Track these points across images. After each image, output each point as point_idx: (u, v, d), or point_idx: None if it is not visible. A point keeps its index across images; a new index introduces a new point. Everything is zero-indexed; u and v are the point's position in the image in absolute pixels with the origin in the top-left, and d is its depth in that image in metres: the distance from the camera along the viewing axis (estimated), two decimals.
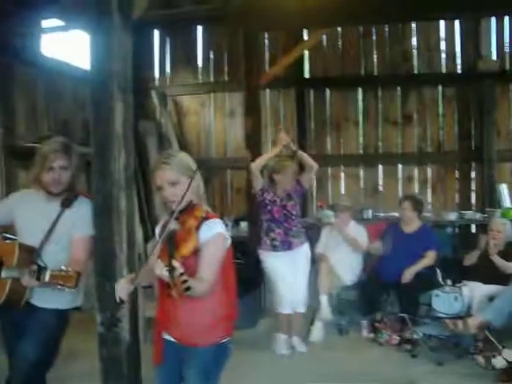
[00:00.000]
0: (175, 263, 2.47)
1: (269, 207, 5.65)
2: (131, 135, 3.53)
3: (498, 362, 4.79)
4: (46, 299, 3.38)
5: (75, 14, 6.28)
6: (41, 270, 3.17)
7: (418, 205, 6.38)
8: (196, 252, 2.70)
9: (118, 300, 2.74)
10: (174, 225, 2.70)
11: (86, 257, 3.47)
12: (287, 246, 5.61)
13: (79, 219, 3.42)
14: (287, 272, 5.56)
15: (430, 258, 6.02)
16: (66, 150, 3.40)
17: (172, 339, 2.87)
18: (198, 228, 2.73)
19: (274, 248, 5.63)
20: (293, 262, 5.59)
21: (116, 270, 3.41)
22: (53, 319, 3.43)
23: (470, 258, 5.99)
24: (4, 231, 3.51)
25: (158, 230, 2.97)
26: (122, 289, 2.74)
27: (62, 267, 3.15)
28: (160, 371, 2.95)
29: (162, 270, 2.51)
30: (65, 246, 3.40)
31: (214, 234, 2.74)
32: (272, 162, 5.74)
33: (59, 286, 3.13)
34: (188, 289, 2.47)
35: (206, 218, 2.78)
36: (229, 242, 2.85)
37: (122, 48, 3.47)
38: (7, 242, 3.45)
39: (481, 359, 4.98)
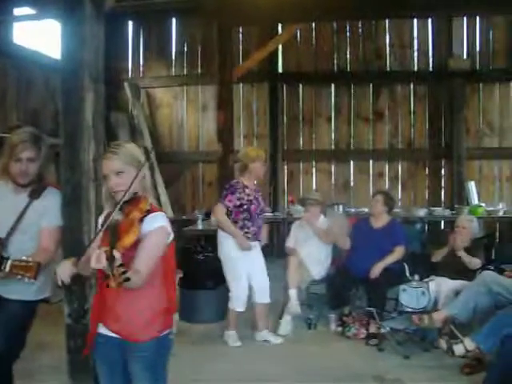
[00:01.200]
0: (116, 253, 2.45)
1: (245, 206, 5.55)
2: (101, 126, 3.51)
3: (458, 349, 4.87)
4: (12, 290, 3.34)
5: (47, 3, 6.21)
6: (2, 260, 3.13)
7: (389, 200, 6.41)
8: (137, 244, 2.66)
9: (59, 283, 2.70)
10: (117, 215, 2.66)
11: (54, 247, 3.43)
12: (254, 239, 5.61)
13: (47, 210, 3.38)
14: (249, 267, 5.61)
15: (398, 252, 6.06)
16: (34, 141, 3.35)
17: (112, 334, 2.81)
18: (141, 220, 2.69)
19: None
20: (253, 257, 5.64)
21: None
22: (18, 310, 3.39)
23: (439, 255, 6.06)
24: None
25: (101, 220, 2.90)
26: (64, 271, 2.71)
27: (23, 257, 3.10)
28: (102, 366, 2.89)
29: (99, 261, 2.48)
30: (33, 237, 3.36)
31: (156, 227, 2.72)
32: (243, 152, 5.74)
33: (19, 276, 3.08)
34: (127, 279, 2.46)
35: (150, 211, 2.75)
36: (171, 236, 2.82)
37: (93, 38, 3.45)
38: None
39: (443, 343, 5.07)
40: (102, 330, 2.83)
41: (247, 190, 5.56)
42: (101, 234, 2.69)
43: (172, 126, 9.86)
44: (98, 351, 2.86)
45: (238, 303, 5.61)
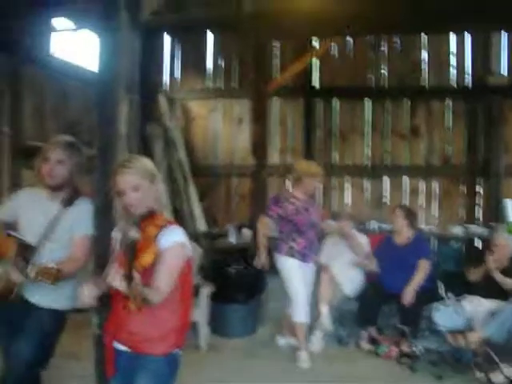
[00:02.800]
0: (135, 275, 2.45)
1: (290, 217, 5.58)
2: (135, 137, 3.52)
3: (496, 378, 4.75)
4: (44, 298, 3.38)
5: (85, 15, 6.29)
6: (28, 265, 3.16)
7: (409, 214, 6.31)
8: (155, 260, 2.65)
9: (81, 305, 2.70)
10: (134, 233, 2.63)
11: (84, 256, 3.45)
12: (302, 257, 5.63)
13: (79, 219, 3.41)
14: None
15: (423, 267, 5.90)
16: (65, 145, 3.40)
17: (124, 348, 2.81)
18: (157, 236, 2.68)
19: (292, 256, 5.61)
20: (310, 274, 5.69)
21: None
22: (49, 319, 3.42)
23: (476, 274, 5.91)
24: (10, 228, 3.49)
25: (116, 235, 2.89)
26: (86, 295, 2.71)
27: (48, 264, 3.13)
28: (114, 382, 2.89)
29: (119, 282, 2.48)
30: (64, 245, 3.39)
31: (173, 243, 2.70)
32: (303, 165, 5.82)
33: (42, 282, 3.11)
34: (145, 300, 2.44)
35: (167, 226, 2.73)
36: (189, 251, 2.80)
37: (129, 49, 3.48)
38: (7, 238, 3.42)
39: (479, 374, 4.96)
40: (116, 345, 2.84)
41: (294, 201, 5.56)
42: (118, 253, 2.69)
43: (206, 139, 9.88)
44: (116, 366, 2.86)
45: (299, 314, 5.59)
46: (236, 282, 6.33)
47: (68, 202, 3.42)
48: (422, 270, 5.89)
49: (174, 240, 2.71)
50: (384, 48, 9.35)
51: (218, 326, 6.18)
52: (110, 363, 2.87)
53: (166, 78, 10.03)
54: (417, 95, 9.31)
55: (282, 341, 5.94)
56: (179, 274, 2.73)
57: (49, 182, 3.41)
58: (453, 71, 9.21)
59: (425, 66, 9.28)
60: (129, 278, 2.47)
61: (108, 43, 3.46)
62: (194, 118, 9.95)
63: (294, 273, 5.58)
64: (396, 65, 9.32)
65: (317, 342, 5.92)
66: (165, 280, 2.65)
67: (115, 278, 2.55)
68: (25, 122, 7.54)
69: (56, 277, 3.09)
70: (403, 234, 6.17)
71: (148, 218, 2.73)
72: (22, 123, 7.47)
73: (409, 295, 5.72)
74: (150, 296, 2.52)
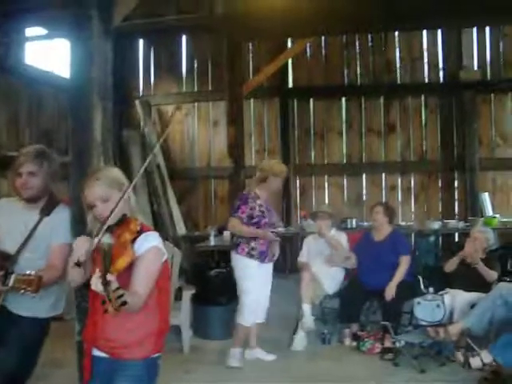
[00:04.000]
0: (110, 277, 2.44)
1: (256, 219, 5.45)
2: (111, 143, 3.51)
3: (475, 362, 4.84)
4: (25, 307, 3.35)
5: (57, 23, 6.25)
6: (7, 275, 3.14)
7: (389, 211, 6.37)
8: (131, 266, 2.65)
9: (75, 261, 2.61)
10: (107, 239, 2.62)
11: (62, 265, 3.41)
12: (264, 258, 5.50)
13: (56, 227, 3.38)
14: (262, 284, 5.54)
15: (404, 263, 5.96)
16: (36, 156, 3.36)
17: (102, 355, 2.79)
18: (133, 241, 2.67)
19: (251, 257, 5.47)
20: (268, 274, 5.60)
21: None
22: (31, 328, 3.39)
23: (451, 264, 5.98)
24: None
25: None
26: (81, 247, 2.62)
27: (27, 272, 3.11)
28: None
29: (97, 284, 2.47)
30: (43, 254, 3.36)
31: (149, 248, 2.70)
32: (268, 164, 5.65)
33: (22, 291, 3.08)
34: (124, 303, 2.44)
35: (141, 231, 2.73)
36: (165, 256, 2.80)
37: (101, 55, 3.46)
38: None
39: (460, 356, 5.04)
40: (95, 352, 2.82)
41: (259, 201, 5.51)
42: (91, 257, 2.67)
43: (183, 143, 9.88)
44: (94, 372, 2.83)
45: (249, 319, 5.51)
46: (217, 284, 6.33)
47: (46, 211, 3.40)
48: (403, 266, 5.95)
49: (149, 245, 2.71)
50: (357, 46, 9.42)
51: (199, 328, 6.18)
52: (86, 369, 2.85)
53: (140, 83, 10.01)
54: (391, 92, 9.40)
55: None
56: (156, 278, 2.73)
57: (23, 195, 3.38)
58: (426, 67, 9.30)
59: (398, 63, 9.36)
60: (105, 281, 2.46)
61: (80, 50, 3.45)
62: (169, 122, 9.93)
63: (251, 275, 5.43)
64: (370, 63, 9.40)
65: (300, 340, 5.93)
66: (142, 284, 2.65)
67: (94, 281, 2.54)
68: (0, 132, 7.49)
69: (37, 284, 3.07)
70: (382, 230, 6.22)
71: (122, 224, 2.73)
72: None
73: (391, 291, 5.76)
74: (128, 299, 2.51)
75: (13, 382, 3.34)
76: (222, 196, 9.53)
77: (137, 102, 9.58)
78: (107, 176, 2.79)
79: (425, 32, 9.23)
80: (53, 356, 4.88)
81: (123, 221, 2.74)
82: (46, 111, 8.36)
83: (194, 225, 9.65)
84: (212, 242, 7.79)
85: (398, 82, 9.39)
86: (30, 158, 3.35)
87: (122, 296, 2.43)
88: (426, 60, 9.33)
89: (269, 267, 5.59)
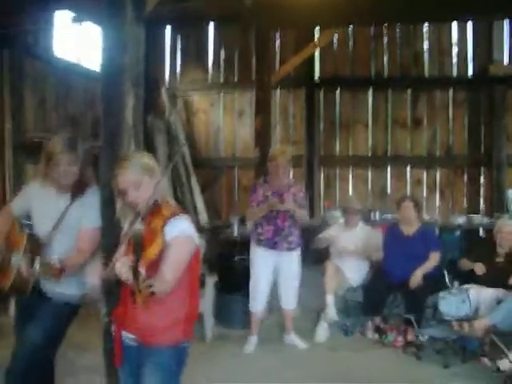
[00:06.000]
0: (140, 269, 2.45)
1: (261, 204, 5.54)
2: (141, 128, 3.52)
3: (503, 364, 4.77)
4: (55, 289, 3.42)
5: (88, 8, 6.28)
6: (35, 261, 3.24)
7: (417, 205, 6.32)
8: (162, 251, 2.65)
9: (118, 278, 2.63)
10: (138, 226, 2.62)
11: (91, 248, 3.46)
12: (272, 244, 5.55)
13: (87, 210, 3.43)
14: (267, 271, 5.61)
15: (434, 258, 5.92)
16: (71, 147, 3.39)
17: (132, 339, 2.82)
18: (163, 227, 2.66)
19: (259, 244, 5.59)
20: (279, 263, 5.61)
21: None
22: (61, 306, 3.46)
23: (465, 265, 5.90)
24: (23, 221, 3.53)
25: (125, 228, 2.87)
26: (124, 265, 2.60)
27: (51, 260, 3.22)
28: (122, 373, 2.91)
29: (126, 274, 2.50)
30: (73, 237, 3.42)
31: (179, 233, 2.69)
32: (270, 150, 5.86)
33: (47, 277, 3.26)
34: (152, 294, 2.45)
35: (173, 215, 2.72)
36: (196, 240, 2.79)
37: (134, 42, 3.46)
38: (21, 231, 3.45)
39: (486, 361, 4.98)
40: (124, 336, 2.84)
41: (266, 188, 5.56)
42: (124, 245, 2.69)
43: (208, 132, 9.88)
44: (124, 358, 2.87)
45: (252, 304, 5.66)
46: (240, 273, 6.33)
47: (77, 195, 3.44)
48: (432, 260, 5.90)
49: (179, 230, 2.70)
50: (385, 38, 9.33)
51: (222, 316, 6.20)
52: (117, 354, 2.87)
53: (167, 71, 10.01)
54: (419, 85, 9.30)
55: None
56: (186, 264, 2.73)
57: (63, 184, 3.43)
58: (454, 61, 9.18)
59: (426, 56, 9.26)
60: (135, 272, 2.47)
61: (113, 36, 3.44)
62: (195, 111, 9.94)
63: (257, 262, 5.61)
64: (397, 55, 9.30)
65: (322, 332, 5.93)
66: (171, 270, 2.65)
67: (122, 269, 2.55)
68: (27, 117, 7.55)
69: (59, 274, 3.21)
70: (412, 224, 6.15)
71: (153, 211, 2.73)
72: (24, 118, 7.47)
73: (416, 279, 5.72)
74: (156, 289, 2.52)
75: (36, 354, 3.38)
76: (245, 186, 9.52)
77: (162, 90, 9.58)
78: (138, 162, 2.79)
79: (454, 24, 9.10)
80: (77, 339, 4.92)
81: (155, 207, 2.74)
82: (72, 97, 8.41)
83: (217, 214, 9.66)
84: (235, 231, 7.80)
85: (426, 75, 9.28)
86: (66, 148, 3.37)
87: (150, 286, 2.44)
88: (454, 53, 9.21)
89: (283, 255, 5.58)
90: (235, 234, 7.74)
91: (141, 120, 3.54)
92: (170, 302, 2.73)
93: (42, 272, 3.22)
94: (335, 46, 9.41)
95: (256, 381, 4.80)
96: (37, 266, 3.22)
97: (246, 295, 5.80)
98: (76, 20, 7.49)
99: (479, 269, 5.68)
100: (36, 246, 3.36)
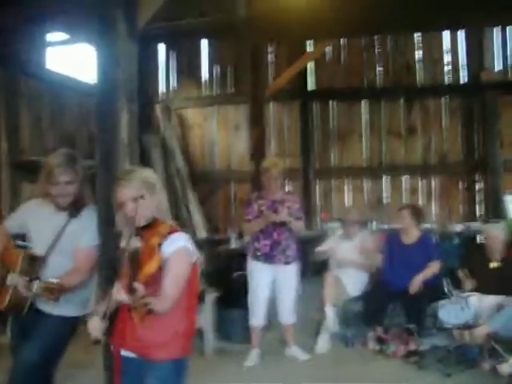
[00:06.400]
0: (136, 285, 2.46)
1: (257, 218, 5.52)
2: (136, 145, 3.53)
3: (503, 369, 4.75)
4: (53, 306, 3.37)
5: (80, 26, 6.30)
6: (32, 280, 3.21)
7: (416, 213, 6.29)
8: (160, 268, 2.65)
9: (92, 340, 2.66)
10: (135, 243, 2.64)
11: (89, 267, 3.45)
12: (270, 258, 5.53)
13: (84, 229, 3.42)
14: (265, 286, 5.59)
15: (434, 267, 5.92)
16: (70, 164, 3.39)
17: (131, 355, 2.80)
18: (160, 245, 2.67)
19: (257, 258, 5.57)
20: (276, 277, 5.58)
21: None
22: (58, 325, 3.43)
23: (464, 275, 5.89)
24: (19, 239, 3.51)
25: (122, 245, 2.85)
26: (95, 328, 2.65)
27: (50, 279, 3.19)
28: None
29: (121, 296, 2.51)
30: (70, 256, 3.40)
31: (177, 249, 2.69)
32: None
33: (44, 298, 3.20)
34: (149, 312, 2.45)
35: (170, 233, 2.72)
36: (194, 256, 2.79)
37: (127, 57, 3.48)
38: (16, 250, 3.44)
39: (485, 365, 4.96)
40: (124, 352, 2.83)
41: (260, 201, 5.55)
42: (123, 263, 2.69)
43: (204, 146, 9.92)
44: (124, 373, 2.86)
45: (252, 318, 5.65)
46: (239, 287, 6.31)
47: (74, 213, 3.43)
48: (432, 268, 5.89)
49: (177, 246, 2.70)
50: (377, 48, 9.38)
51: (222, 331, 6.17)
52: (116, 372, 2.87)
53: (161, 87, 10.05)
54: (412, 94, 9.35)
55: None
56: (185, 278, 2.73)
57: (61, 203, 3.42)
58: (447, 69, 9.25)
59: (419, 65, 9.32)
60: (131, 289, 2.47)
61: (106, 53, 3.47)
62: (190, 126, 9.96)
63: (254, 276, 5.58)
64: (390, 64, 9.36)
65: (323, 343, 5.90)
66: (172, 286, 2.65)
67: (119, 293, 2.56)
68: (22, 136, 7.56)
69: (58, 293, 3.17)
70: (411, 233, 6.15)
71: (150, 227, 2.74)
72: (20, 137, 7.49)
73: (415, 285, 5.72)
74: (156, 306, 2.54)
75: (33, 376, 3.35)
76: (242, 199, 9.52)
77: (157, 106, 9.61)
78: (139, 177, 2.79)
79: (446, 33, 9.17)
80: (76, 357, 4.89)
81: (152, 224, 2.74)
82: (67, 115, 8.43)
83: (214, 228, 9.66)
84: (233, 244, 7.80)
85: (419, 84, 9.34)
86: (65, 166, 3.37)
87: (147, 304, 2.44)
88: (446, 61, 9.27)
89: (280, 269, 5.56)
90: (233, 247, 7.73)
91: (136, 136, 3.55)
92: (169, 318, 2.73)
93: (41, 293, 3.18)
94: (328, 57, 9.46)
95: None
96: (35, 286, 3.19)
97: (246, 309, 5.77)
98: (69, 42, 7.52)
99: (468, 285, 5.66)
100: (32, 265, 3.34)
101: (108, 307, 2.68)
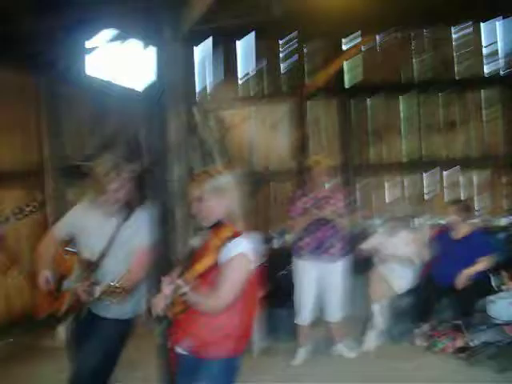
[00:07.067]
0: (179, 282, 2.50)
1: (301, 216, 5.56)
2: (185, 146, 3.57)
3: None
4: (107, 310, 3.43)
5: (127, 31, 6.35)
6: (93, 285, 3.25)
7: (465, 209, 6.21)
8: (215, 269, 2.67)
9: (155, 316, 2.71)
10: (196, 241, 2.71)
11: (144, 267, 3.48)
12: (315, 256, 5.54)
13: (137, 231, 3.45)
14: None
15: (484, 262, 5.82)
16: (117, 170, 3.43)
17: (184, 352, 2.84)
18: (220, 248, 2.69)
19: (302, 257, 5.60)
20: (322, 274, 5.58)
21: None
22: (114, 328, 3.48)
23: None
24: (67, 245, 3.56)
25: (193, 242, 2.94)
26: (158, 304, 2.69)
27: (111, 283, 3.19)
28: (178, 382, 2.94)
29: (165, 289, 2.55)
30: (123, 258, 3.43)
31: (236, 254, 2.70)
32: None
33: (108, 302, 3.21)
34: (182, 311, 2.49)
35: (232, 237, 2.73)
36: (253, 263, 2.78)
37: (174, 61, 3.53)
38: (69, 255, 3.50)
39: None
40: (179, 349, 2.87)
41: (305, 199, 5.57)
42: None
43: (242, 146, 9.92)
44: (178, 369, 2.91)
45: (299, 316, 5.67)
46: (284, 285, 6.31)
47: (125, 216, 3.47)
48: (482, 264, 5.79)
49: (237, 251, 2.71)
50: (414, 42, 9.28)
51: (269, 330, 6.17)
52: (173, 368, 2.93)
53: (198, 88, 10.09)
54: (451, 87, 9.22)
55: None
56: (241, 284, 2.73)
57: (110, 209, 3.47)
58: (486, 60, 9.10)
59: (457, 57, 9.19)
60: (176, 285, 2.50)
61: (154, 57, 3.52)
62: (228, 127, 9.98)
63: (301, 274, 5.64)
64: (428, 58, 9.25)
65: (370, 340, 5.87)
66: (226, 290, 2.67)
67: (165, 288, 2.60)
68: (65, 141, 7.67)
69: (122, 296, 3.18)
70: (460, 228, 6.06)
71: (215, 229, 2.76)
72: (62, 143, 7.60)
73: (462, 279, 5.65)
74: (201, 304, 2.60)
75: (93, 380, 3.40)
76: (282, 199, 9.52)
77: (195, 108, 9.65)
78: (209, 179, 2.82)
79: (483, 24, 9.03)
80: (129, 355, 4.94)
81: (217, 226, 2.77)
82: (108, 120, 8.51)
83: (256, 228, 9.65)
84: (275, 244, 7.81)
85: (457, 76, 9.21)
86: (114, 173, 3.42)
87: (184, 303, 2.51)
88: (485, 53, 9.13)
89: (326, 266, 5.56)
90: (276, 246, 7.74)
91: (184, 137, 3.58)
92: (223, 319, 2.75)
93: (104, 297, 3.20)
94: (365, 53, 9.38)
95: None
96: (97, 289, 3.22)
97: (292, 307, 5.78)
98: (118, 38, 7.58)
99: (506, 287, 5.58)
100: (87, 270, 3.39)
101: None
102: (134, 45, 8.00)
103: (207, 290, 2.65)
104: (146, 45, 3.61)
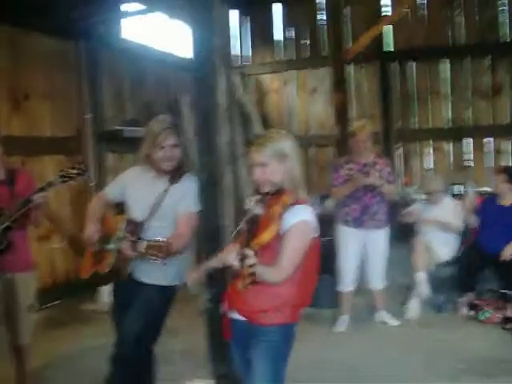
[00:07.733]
0: (248, 252, 2.42)
1: (346, 182, 5.46)
2: (234, 109, 3.51)
3: None
4: (150, 275, 3.40)
5: None
6: (138, 241, 3.19)
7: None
8: (278, 238, 2.60)
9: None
10: (257, 209, 2.62)
11: (190, 233, 3.45)
12: (360, 223, 5.46)
13: (185, 195, 3.40)
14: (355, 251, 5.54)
15: None
16: (174, 128, 3.41)
17: (239, 318, 2.80)
18: (281, 215, 2.61)
19: (346, 223, 5.51)
20: (366, 241, 5.51)
21: (222, 245, 3.36)
22: (157, 295, 3.44)
23: None
24: (116, 207, 3.55)
25: (248, 207, 2.81)
26: (192, 277, 2.71)
27: (157, 238, 3.12)
28: (232, 349, 2.92)
29: (232, 259, 2.48)
30: (169, 222, 3.38)
31: (297, 222, 2.62)
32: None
33: (153, 257, 3.09)
34: (253, 282, 2.41)
35: (293, 204, 2.66)
36: (313, 229, 2.72)
37: (221, 23, 3.47)
38: (116, 217, 3.49)
39: None
40: (233, 315, 2.83)
41: (348, 166, 5.48)
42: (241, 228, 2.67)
43: (281, 112, 9.83)
44: (232, 335, 2.87)
45: (341, 284, 5.64)
46: (325, 252, 6.23)
47: (174, 180, 3.43)
48: None
49: (297, 218, 2.64)
50: (460, 4, 8.99)
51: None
52: (226, 328, 2.88)
53: (236, 52, 9.98)
54: (497, 51, 8.93)
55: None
56: (303, 252, 2.66)
57: (167, 168, 3.42)
58: None
59: (503, 20, 8.88)
60: (242, 255, 2.44)
61: (202, 19, 3.44)
62: (267, 92, 9.89)
63: (344, 241, 5.56)
64: (473, 21, 8.96)
65: (414, 309, 5.81)
66: (288, 258, 2.61)
67: (230, 256, 2.54)
68: (105, 106, 7.67)
69: (166, 251, 3.08)
70: (507, 196, 5.91)
71: (276, 196, 2.70)
72: (102, 108, 7.60)
73: (508, 251, 5.52)
74: (267, 276, 2.53)
75: (138, 347, 3.40)
76: (322, 164, 9.44)
77: (233, 73, 9.54)
78: (269, 144, 2.74)
79: None
80: (172, 323, 4.96)
81: (278, 192, 2.70)
82: (146, 85, 8.48)
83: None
84: (316, 209, 7.72)
85: (503, 39, 8.91)
86: (170, 130, 3.38)
87: (253, 274, 2.41)
88: None
89: (370, 233, 5.49)
90: (317, 212, 7.66)
91: (233, 101, 3.52)
92: (281, 288, 2.69)
93: (149, 250, 3.10)
94: (408, 16, 9.12)
95: (351, 358, 4.75)
96: (141, 245, 3.15)
97: (334, 275, 5.73)
98: (145, 12, 7.54)
99: None
100: (134, 230, 3.34)
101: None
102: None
103: (270, 260, 2.59)
104: (196, 7, 3.50)
